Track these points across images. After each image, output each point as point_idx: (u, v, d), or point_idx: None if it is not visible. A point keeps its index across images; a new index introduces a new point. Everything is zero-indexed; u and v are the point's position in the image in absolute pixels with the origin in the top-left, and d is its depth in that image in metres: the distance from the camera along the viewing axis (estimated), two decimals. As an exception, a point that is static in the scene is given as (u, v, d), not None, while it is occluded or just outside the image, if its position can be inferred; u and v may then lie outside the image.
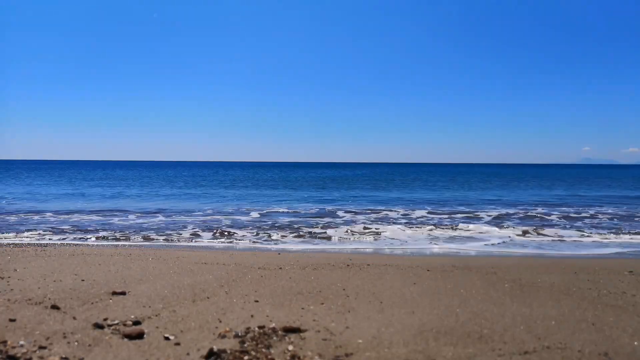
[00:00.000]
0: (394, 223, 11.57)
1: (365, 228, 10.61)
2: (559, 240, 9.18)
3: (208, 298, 3.60)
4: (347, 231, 10.19)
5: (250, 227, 10.63)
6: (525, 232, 9.97)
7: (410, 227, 10.71)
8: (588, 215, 13.62)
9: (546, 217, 13.17)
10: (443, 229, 10.56)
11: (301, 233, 9.74)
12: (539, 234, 9.94)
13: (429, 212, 14.16)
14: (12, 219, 11.90)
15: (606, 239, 9.31)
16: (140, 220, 11.82)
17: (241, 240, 8.83)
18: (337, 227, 10.76)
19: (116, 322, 2.88)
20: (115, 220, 11.86)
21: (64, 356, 2.33)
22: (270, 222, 11.56)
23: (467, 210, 15.04)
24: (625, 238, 9.42)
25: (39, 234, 9.22)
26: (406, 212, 14.31)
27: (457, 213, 14.10)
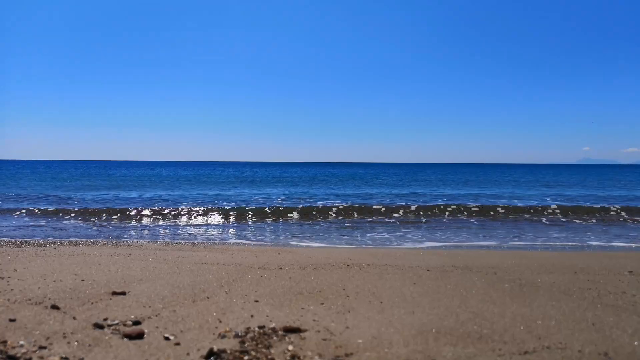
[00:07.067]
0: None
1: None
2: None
3: (208, 298, 3.60)
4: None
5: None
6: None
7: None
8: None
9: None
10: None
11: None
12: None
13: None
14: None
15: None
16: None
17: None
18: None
19: (116, 322, 2.88)
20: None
21: (64, 356, 2.33)
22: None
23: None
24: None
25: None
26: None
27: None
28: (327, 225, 12.18)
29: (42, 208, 14.54)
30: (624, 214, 14.27)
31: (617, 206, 15.31)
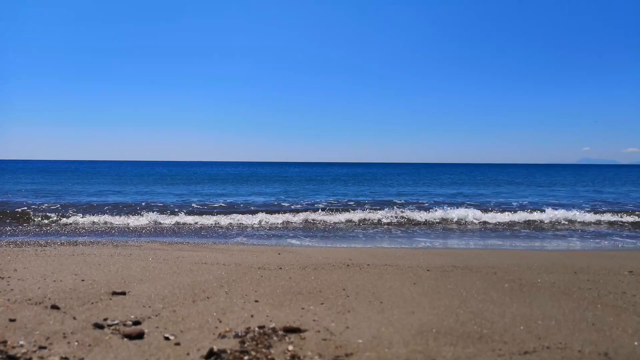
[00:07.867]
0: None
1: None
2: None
3: (208, 298, 3.61)
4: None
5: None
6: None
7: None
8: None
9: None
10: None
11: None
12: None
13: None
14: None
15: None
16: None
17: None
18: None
19: (116, 322, 2.88)
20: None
21: (64, 356, 2.33)
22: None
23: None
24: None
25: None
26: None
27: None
28: (326, 225, 12.18)
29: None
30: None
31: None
